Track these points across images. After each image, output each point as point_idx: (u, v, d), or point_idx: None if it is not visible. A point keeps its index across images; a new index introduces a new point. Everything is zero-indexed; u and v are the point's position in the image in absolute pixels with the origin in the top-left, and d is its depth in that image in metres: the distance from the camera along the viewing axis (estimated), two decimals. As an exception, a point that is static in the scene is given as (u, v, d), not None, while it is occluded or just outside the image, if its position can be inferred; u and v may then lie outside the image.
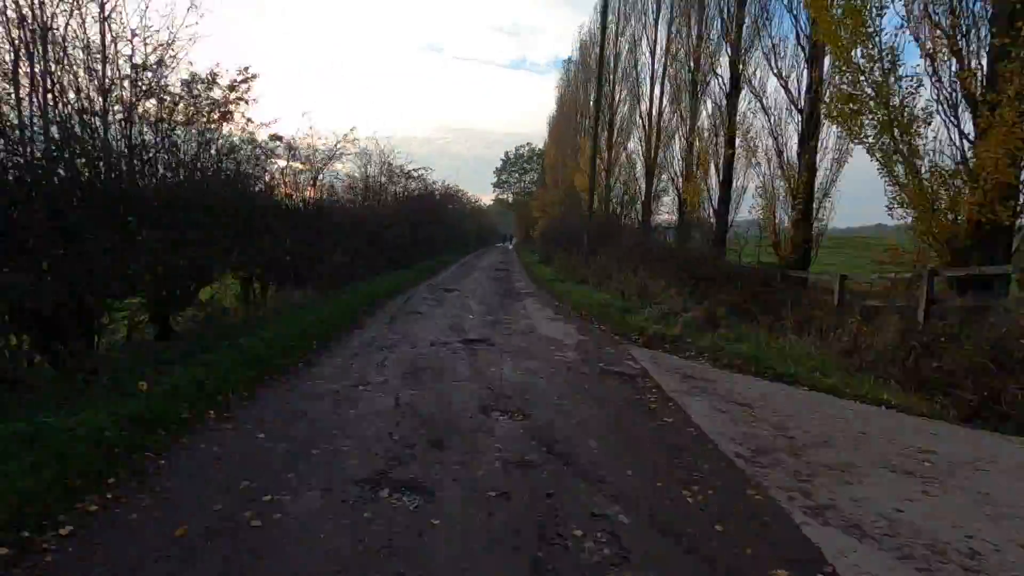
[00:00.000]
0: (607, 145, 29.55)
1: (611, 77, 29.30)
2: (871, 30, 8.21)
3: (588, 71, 36.09)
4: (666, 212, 23.95)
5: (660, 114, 24.80)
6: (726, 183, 17.27)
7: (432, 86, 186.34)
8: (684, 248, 16.00)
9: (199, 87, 8.07)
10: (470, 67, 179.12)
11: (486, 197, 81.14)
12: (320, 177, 13.18)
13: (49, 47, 6.71)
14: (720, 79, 17.49)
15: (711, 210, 17.78)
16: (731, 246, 16.78)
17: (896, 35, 8.42)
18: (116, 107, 7.36)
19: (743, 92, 16.50)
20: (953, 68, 8.23)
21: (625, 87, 28.57)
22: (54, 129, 6.23)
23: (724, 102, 17.31)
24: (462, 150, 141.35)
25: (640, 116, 26.64)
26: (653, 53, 25.75)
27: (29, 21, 6.62)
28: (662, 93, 24.78)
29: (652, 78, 25.79)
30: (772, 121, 13.23)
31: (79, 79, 6.68)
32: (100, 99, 6.88)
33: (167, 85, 7.73)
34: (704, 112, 19.59)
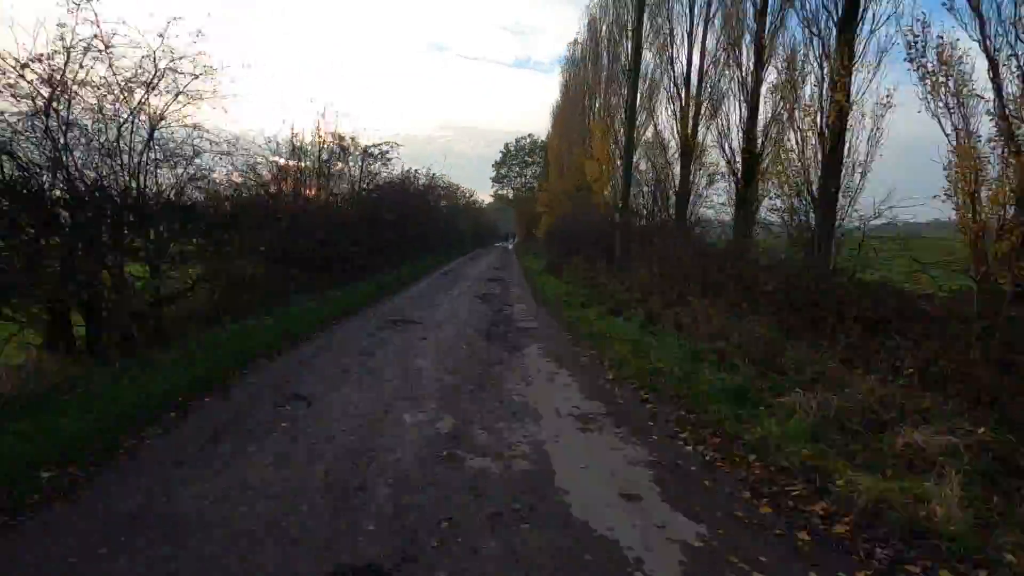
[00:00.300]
0: (623, 123, 23.53)
1: (627, 33, 23.30)
2: None
3: (598, 44, 30.30)
4: (719, 203, 17.80)
5: (701, 77, 18.92)
6: (833, 157, 11.22)
7: (435, 85, 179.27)
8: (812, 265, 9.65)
9: None
10: (474, 66, 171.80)
11: (485, 194, 74.96)
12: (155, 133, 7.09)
13: None
14: (827, -8, 11.40)
15: (809, 199, 11.72)
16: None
17: None
18: None
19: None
20: None
21: (653, 47, 22.57)
22: None
23: (833, 31, 11.30)
24: (465, 148, 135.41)
25: (674, 83, 20.70)
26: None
27: None
28: (703, 50, 18.89)
29: (690, 31, 19.84)
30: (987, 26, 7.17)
31: None
32: None
33: None
34: (780, 56, 13.62)
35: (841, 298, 6.54)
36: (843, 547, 3.26)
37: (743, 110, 15.71)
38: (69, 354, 6.15)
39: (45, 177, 6.05)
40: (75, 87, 6.23)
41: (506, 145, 71.69)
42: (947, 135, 7.63)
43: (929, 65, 7.70)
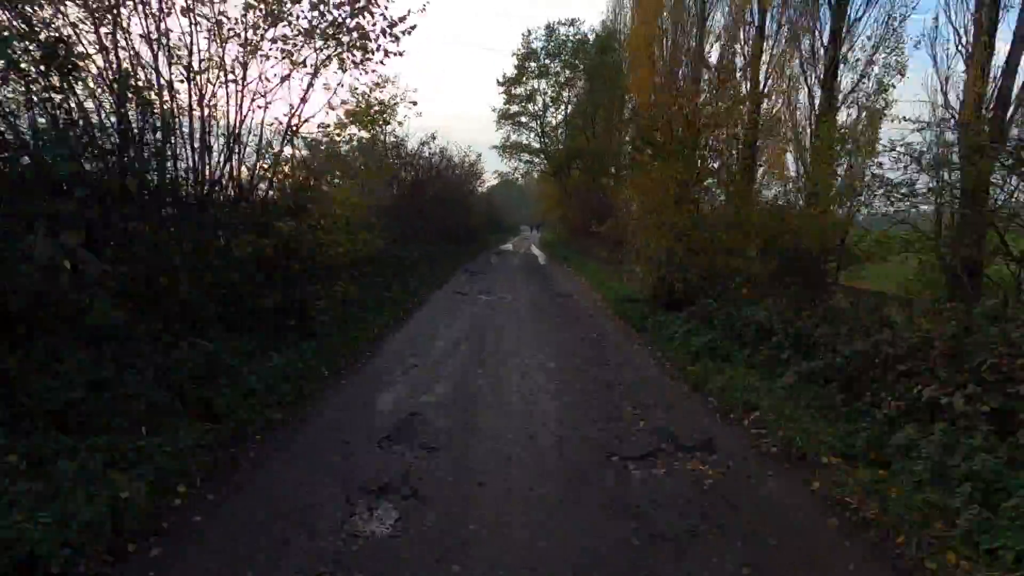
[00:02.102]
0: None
1: None
2: None
3: None
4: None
5: None
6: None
7: (450, 75, 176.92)
8: None
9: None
10: (492, 56, 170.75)
11: (489, 171, 50.97)
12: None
13: None
14: None
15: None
16: None
17: None
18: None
19: None
20: None
21: None
22: None
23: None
24: (476, 137, 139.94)
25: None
26: None
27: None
28: None
29: None
30: None
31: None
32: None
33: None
34: None
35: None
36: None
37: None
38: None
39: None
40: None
41: (525, 39, 31.93)
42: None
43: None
